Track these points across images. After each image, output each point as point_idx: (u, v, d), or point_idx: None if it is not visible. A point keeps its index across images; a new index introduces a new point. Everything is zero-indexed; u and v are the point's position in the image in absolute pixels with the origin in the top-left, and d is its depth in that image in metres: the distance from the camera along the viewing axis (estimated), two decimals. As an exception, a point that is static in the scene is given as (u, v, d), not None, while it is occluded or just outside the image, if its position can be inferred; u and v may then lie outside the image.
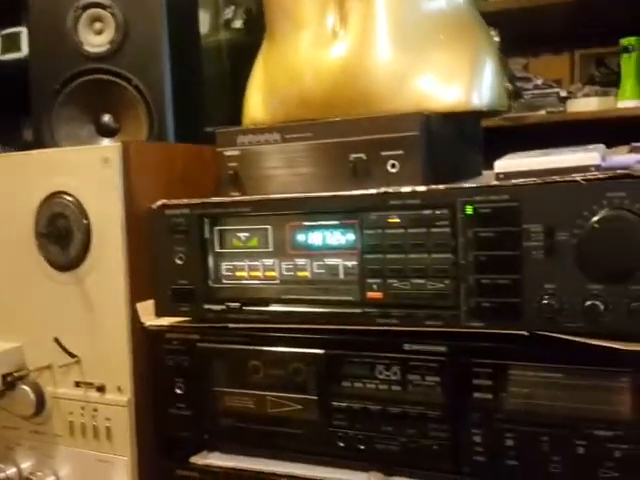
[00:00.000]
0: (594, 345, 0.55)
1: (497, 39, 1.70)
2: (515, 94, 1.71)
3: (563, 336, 0.56)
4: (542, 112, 1.68)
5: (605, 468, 0.55)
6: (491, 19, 1.75)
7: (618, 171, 0.56)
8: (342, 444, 0.64)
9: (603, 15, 1.73)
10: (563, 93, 1.75)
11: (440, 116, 0.72)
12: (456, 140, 0.78)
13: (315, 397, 0.66)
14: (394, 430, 0.62)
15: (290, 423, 0.67)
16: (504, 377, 0.59)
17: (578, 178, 0.57)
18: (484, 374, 0.59)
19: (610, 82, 1.77)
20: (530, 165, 0.65)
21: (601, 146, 0.71)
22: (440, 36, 0.76)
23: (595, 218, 0.55)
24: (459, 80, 0.75)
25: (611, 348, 0.54)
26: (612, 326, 0.55)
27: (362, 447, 0.63)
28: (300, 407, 0.67)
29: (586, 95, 1.70)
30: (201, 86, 1.07)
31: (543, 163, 0.65)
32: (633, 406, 0.55)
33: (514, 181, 0.61)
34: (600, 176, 0.56)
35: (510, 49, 1.83)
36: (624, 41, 1.68)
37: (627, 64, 1.67)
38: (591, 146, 0.71)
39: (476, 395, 0.60)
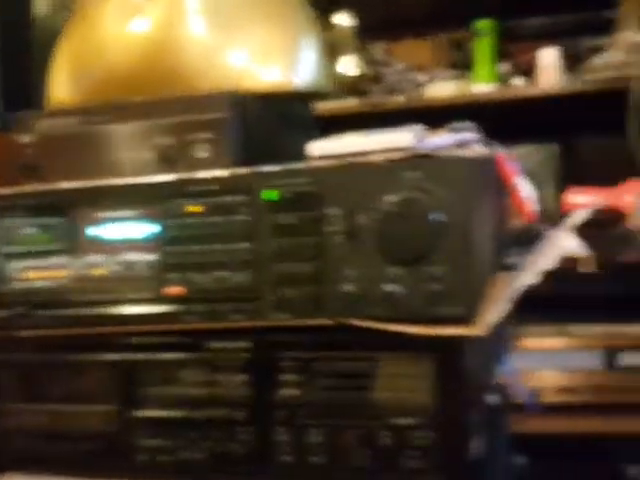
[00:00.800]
0: (396, 331, 0.53)
1: (355, 23, 1.70)
2: (375, 78, 1.71)
3: (363, 324, 0.54)
4: (401, 97, 1.69)
5: (409, 457, 0.53)
6: (351, 2, 1.74)
7: (416, 152, 0.55)
8: (144, 457, 0.59)
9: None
10: (423, 78, 1.77)
11: (256, 97, 0.67)
12: (276, 123, 0.74)
13: (115, 407, 0.60)
14: (200, 436, 0.58)
15: (89, 438, 0.61)
16: (309, 370, 0.56)
17: (375, 159, 0.54)
18: (289, 368, 0.56)
19: (466, 66, 1.81)
20: (342, 147, 0.63)
21: (418, 127, 0.70)
22: (257, 12, 0.72)
23: (391, 200, 0.53)
24: (278, 60, 0.71)
25: (408, 333, 0.52)
26: (411, 310, 0.53)
27: (165, 458, 0.58)
28: (99, 420, 0.60)
29: (443, 80, 1.73)
30: (29, 71, 0.98)
31: (355, 145, 0.62)
32: (434, 392, 0.53)
33: (315, 164, 0.57)
34: (397, 157, 0.54)
35: (372, 33, 1.84)
36: (477, 24, 1.71)
37: (480, 47, 1.71)
38: (407, 127, 0.69)
39: (282, 391, 0.56)
